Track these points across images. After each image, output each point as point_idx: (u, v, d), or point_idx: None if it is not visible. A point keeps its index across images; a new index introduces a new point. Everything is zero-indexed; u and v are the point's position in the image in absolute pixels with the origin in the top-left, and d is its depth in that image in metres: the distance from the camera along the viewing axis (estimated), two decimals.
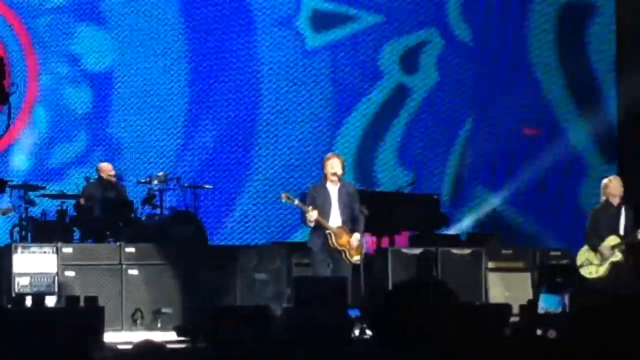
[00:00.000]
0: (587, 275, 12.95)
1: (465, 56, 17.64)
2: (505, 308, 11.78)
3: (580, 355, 3.53)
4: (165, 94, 16.17)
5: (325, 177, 12.41)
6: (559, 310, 12.31)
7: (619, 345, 3.60)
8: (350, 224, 12.31)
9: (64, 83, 16.15)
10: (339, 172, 12.33)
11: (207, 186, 14.82)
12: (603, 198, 13.12)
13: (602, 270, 12.80)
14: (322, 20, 17.10)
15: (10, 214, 13.22)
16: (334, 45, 17.10)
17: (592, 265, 12.93)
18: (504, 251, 14.48)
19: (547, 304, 12.61)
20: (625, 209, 12.95)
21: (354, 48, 17.18)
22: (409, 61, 17.38)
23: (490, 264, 14.10)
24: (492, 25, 17.88)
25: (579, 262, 13.10)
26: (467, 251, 14.26)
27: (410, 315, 4.79)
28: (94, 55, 16.50)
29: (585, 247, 13.10)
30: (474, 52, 17.64)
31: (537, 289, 13.83)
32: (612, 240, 12.79)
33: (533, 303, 12.89)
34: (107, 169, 14.13)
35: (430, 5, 17.76)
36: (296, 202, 12.37)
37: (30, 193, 13.85)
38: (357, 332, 11.14)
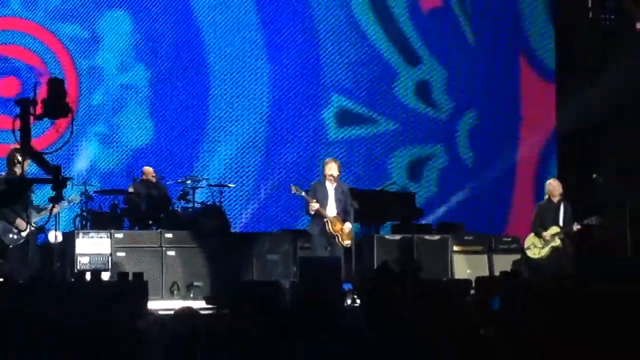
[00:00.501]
0: (532, 256, 13.35)
1: (465, 174, 17.47)
2: (467, 282, 11.74)
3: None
4: (196, 112, 16.03)
5: (323, 177, 12.44)
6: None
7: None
8: (343, 215, 12.42)
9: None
10: (335, 174, 12.47)
11: (230, 185, 14.80)
12: (546, 196, 13.38)
13: (544, 252, 13.12)
14: (345, 117, 16.86)
15: (75, 203, 13.10)
16: (352, 140, 16.87)
17: (536, 248, 13.21)
18: (466, 237, 14.52)
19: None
20: (564, 205, 13.32)
21: (369, 147, 16.98)
22: (415, 170, 17.24)
23: (455, 248, 14.14)
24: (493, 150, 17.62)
25: (526, 245, 13.46)
26: (436, 237, 14.28)
27: (390, 300, 4.71)
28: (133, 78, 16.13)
29: (532, 234, 13.42)
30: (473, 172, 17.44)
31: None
32: (553, 229, 13.09)
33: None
34: (149, 171, 14.15)
35: (442, 125, 17.50)
36: (303, 193, 12.43)
37: (89, 189, 13.76)
38: (349, 301, 11.18)
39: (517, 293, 4.70)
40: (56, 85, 7.59)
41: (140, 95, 15.91)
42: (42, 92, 7.34)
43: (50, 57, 15.48)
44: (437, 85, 17.45)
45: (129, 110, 15.72)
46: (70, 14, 15.66)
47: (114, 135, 15.66)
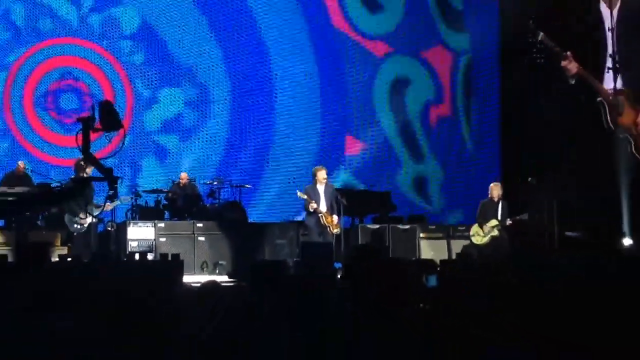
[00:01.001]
0: (475, 242, 13.29)
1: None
2: (431, 261, 11.76)
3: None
4: (222, 130, 16.01)
5: (315, 181, 12.50)
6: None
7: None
8: (332, 210, 12.41)
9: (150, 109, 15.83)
10: (324, 177, 12.47)
11: (247, 185, 14.80)
12: (489, 196, 13.34)
13: (485, 240, 13.15)
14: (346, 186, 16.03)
15: (126, 202, 13.21)
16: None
17: (479, 236, 13.22)
18: (429, 227, 14.47)
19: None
20: (502, 204, 13.27)
21: None
22: None
23: (421, 235, 14.10)
24: None
25: (471, 233, 13.44)
26: (407, 226, 14.22)
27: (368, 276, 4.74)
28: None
29: (476, 225, 13.35)
30: None
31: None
32: (492, 222, 13.11)
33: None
34: (184, 176, 14.22)
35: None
36: (305, 196, 12.42)
37: (138, 189, 13.86)
38: (339, 276, 11.18)
39: (453, 274, 4.70)
40: (107, 106, 7.71)
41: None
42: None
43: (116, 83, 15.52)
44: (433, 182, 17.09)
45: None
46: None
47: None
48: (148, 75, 16.11)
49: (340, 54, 16.66)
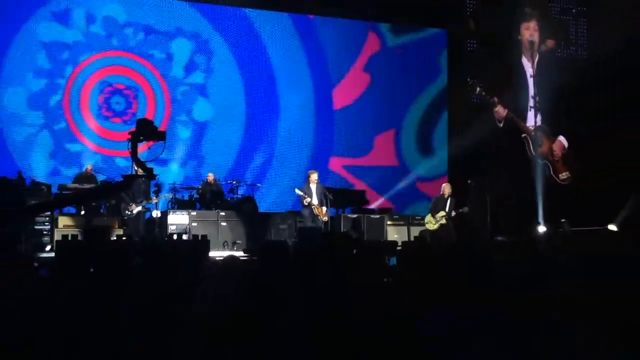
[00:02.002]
0: (428, 228, 13.29)
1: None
2: (394, 242, 11.83)
3: None
4: (239, 140, 15.89)
5: (308, 181, 12.51)
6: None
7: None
8: (322, 203, 12.46)
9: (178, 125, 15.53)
10: (316, 178, 12.48)
11: (258, 184, 14.78)
12: (440, 192, 13.34)
13: (435, 226, 13.13)
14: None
15: (168, 197, 13.20)
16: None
17: (430, 223, 13.20)
18: (394, 216, 14.44)
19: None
20: (450, 199, 13.21)
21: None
22: None
23: (388, 222, 14.09)
24: None
25: (425, 221, 13.36)
26: (377, 216, 14.20)
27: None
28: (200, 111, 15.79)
29: (429, 215, 13.31)
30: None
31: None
32: (442, 213, 13.07)
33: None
34: (211, 176, 14.13)
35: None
36: (301, 193, 12.44)
37: (177, 186, 13.86)
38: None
39: (409, 254, 4.69)
40: (148, 122, 7.87)
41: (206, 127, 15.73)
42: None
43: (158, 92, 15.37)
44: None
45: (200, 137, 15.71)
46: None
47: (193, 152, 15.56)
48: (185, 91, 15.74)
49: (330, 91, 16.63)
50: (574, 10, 16.65)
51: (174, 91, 15.46)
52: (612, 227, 12.03)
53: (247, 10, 15.89)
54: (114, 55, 14.99)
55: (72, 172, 14.01)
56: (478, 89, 15.96)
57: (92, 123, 14.67)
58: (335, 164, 16.46)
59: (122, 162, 13.70)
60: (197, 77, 15.64)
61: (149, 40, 15.26)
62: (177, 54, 15.48)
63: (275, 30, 16.20)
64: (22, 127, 14.17)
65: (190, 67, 15.57)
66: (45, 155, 14.28)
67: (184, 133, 15.40)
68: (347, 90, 16.71)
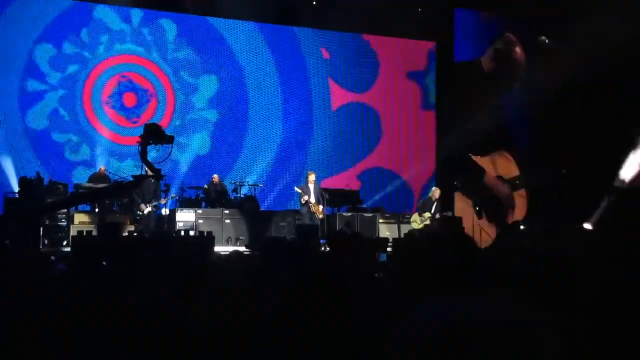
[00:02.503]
0: (414, 226, 13.27)
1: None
2: (386, 239, 11.82)
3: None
4: (244, 143, 15.86)
5: (307, 181, 12.56)
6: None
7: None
8: (318, 202, 12.52)
9: (190, 125, 15.55)
10: (314, 179, 12.52)
11: (259, 185, 14.73)
12: (429, 195, 13.39)
13: (420, 226, 13.12)
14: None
15: (176, 197, 13.18)
16: None
17: (415, 222, 13.24)
18: (386, 214, 14.41)
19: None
20: (437, 202, 13.29)
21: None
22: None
23: (380, 220, 14.04)
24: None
25: (411, 220, 13.37)
26: (370, 214, 14.17)
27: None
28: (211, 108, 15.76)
29: (416, 214, 13.39)
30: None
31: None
32: (427, 214, 13.16)
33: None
34: (215, 177, 14.13)
35: None
36: (300, 191, 12.48)
37: (184, 186, 13.84)
38: (322, 249, 11.20)
39: (401, 247, 4.69)
40: (157, 127, 7.92)
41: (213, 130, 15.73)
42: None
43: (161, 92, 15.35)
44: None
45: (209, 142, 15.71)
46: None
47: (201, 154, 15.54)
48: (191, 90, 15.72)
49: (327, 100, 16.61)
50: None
51: (184, 97, 15.46)
52: (588, 226, 12.03)
53: (254, 23, 15.91)
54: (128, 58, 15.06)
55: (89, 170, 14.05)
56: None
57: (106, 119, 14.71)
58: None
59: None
60: (206, 84, 15.65)
61: (159, 43, 15.26)
62: (188, 63, 15.51)
63: (280, 41, 16.22)
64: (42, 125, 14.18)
65: (198, 74, 15.58)
66: (61, 152, 14.30)
67: (192, 136, 15.39)
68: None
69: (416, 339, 1.04)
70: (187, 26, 15.49)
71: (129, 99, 14.99)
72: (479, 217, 13.31)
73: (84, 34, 14.59)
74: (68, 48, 14.49)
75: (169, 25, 15.38)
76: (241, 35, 15.91)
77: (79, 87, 14.56)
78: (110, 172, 13.53)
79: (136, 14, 15.09)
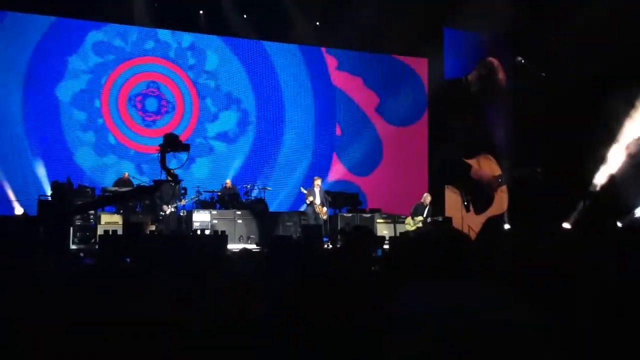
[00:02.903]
0: (407, 228, 13.22)
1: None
2: (383, 237, 11.82)
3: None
4: (253, 150, 15.86)
5: (314, 185, 12.58)
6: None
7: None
8: (323, 204, 12.51)
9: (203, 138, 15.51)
10: (319, 183, 12.54)
11: (268, 188, 14.69)
12: (421, 200, 13.36)
13: (413, 228, 13.07)
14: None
15: (194, 199, 13.20)
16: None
17: (409, 225, 13.22)
18: (383, 215, 14.37)
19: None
20: (429, 207, 13.29)
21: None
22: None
23: (378, 220, 14.02)
24: None
25: (405, 222, 13.31)
26: (368, 215, 14.17)
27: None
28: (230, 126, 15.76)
29: (410, 217, 13.35)
30: None
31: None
32: (420, 218, 13.12)
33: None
34: (228, 182, 14.16)
35: None
36: (306, 192, 12.51)
37: (201, 189, 13.85)
38: (326, 246, 11.26)
39: (393, 248, 4.69)
40: (175, 137, 7.97)
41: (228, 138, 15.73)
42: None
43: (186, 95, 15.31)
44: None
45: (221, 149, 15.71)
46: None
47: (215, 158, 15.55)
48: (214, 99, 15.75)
49: (332, 103, 16.53)
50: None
51: (202, 111, 15.51)
52: (567, 225, 12.01)
53: (264, 42, 15.92)
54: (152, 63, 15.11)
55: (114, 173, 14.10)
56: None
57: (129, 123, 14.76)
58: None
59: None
60: (222, 96, 15.72)
61: (180, 52, 15.32)
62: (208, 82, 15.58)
63: (286, 59, 16.25)
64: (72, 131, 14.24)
65: (213, 91, 15.63)
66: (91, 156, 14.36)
67: (208, 145, 15.43)
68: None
69: (405, 322, 1.07)
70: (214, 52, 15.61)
71: (152, 106, 15.02)
72: (467, 209, 13.22)
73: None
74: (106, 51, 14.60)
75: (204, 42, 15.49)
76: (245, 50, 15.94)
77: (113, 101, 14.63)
78: (133, 177, 13.57)
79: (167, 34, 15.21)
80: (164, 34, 15.14)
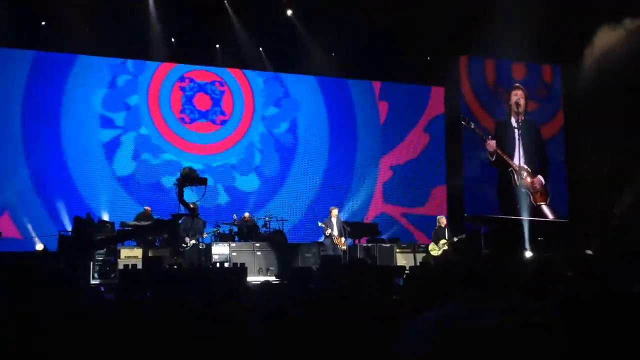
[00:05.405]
0: (433, 254, 13.20)
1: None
2: (403, 267, 11.76)
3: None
4: (271, 185, 15.91)
5: (330, 216, 12.59)
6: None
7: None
8: (341, 234, 12.49)
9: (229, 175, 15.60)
10: (336, 213, 12.54)
11: (285, 219, 14.65)
12: (437, 225, 13.32)
13: (439, 252, 13.04)
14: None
15: (214, 232, 13.22)
16: None
17: (435, 250, 13.15)
18: (402, 244, 14.31)
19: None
20: (447, 229, 13.21)
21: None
22: None
23: (397, 250, 13.95)
24: None
25: (430, 249, 13.32)
26: (388, 245, 14.09)
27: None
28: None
29: (432, 243, 13.33)
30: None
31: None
32: (442, 241, 13.09)
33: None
34: (247, 215, 14.16)
35: None
36: (324, 226, 12.52)
37: (219, 222, 13.87)
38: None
39: (413, 277, 4.66)
40: (192, 171, 8.07)
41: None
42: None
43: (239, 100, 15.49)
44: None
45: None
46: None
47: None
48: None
49: (350, 138, 16.52)
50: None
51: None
52: (589, 252, 11.91)
53: (311, 76, 16.08)
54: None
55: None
56: (472, 125, 16.53)
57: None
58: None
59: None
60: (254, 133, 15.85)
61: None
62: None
63: (333, 92, 16.31)
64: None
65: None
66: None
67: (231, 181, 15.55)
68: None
69: (414, 345, 1.08)
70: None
71: (201, 102, 15.17)
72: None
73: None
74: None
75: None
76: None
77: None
78: (153, 211, 13.67)
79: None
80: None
